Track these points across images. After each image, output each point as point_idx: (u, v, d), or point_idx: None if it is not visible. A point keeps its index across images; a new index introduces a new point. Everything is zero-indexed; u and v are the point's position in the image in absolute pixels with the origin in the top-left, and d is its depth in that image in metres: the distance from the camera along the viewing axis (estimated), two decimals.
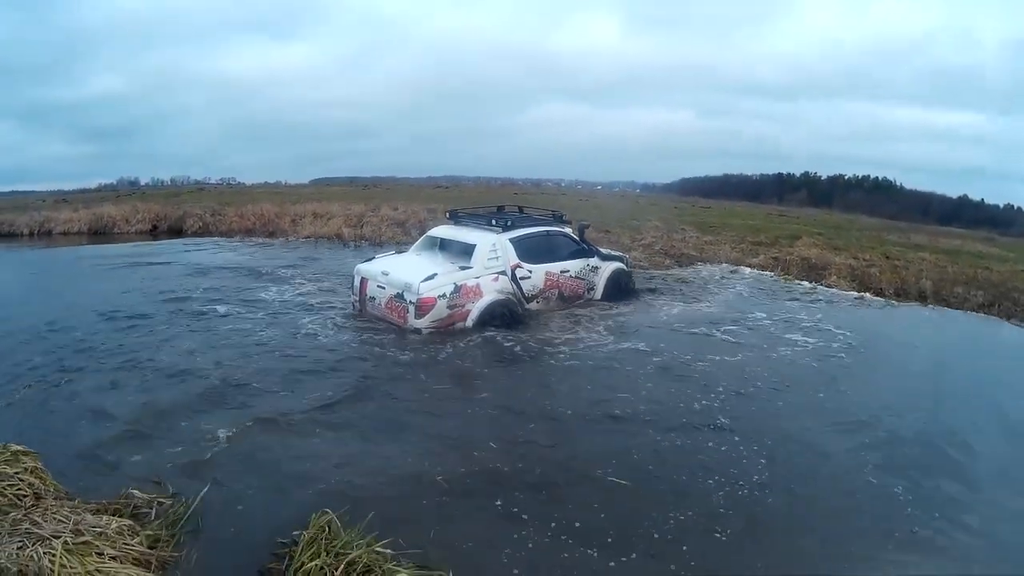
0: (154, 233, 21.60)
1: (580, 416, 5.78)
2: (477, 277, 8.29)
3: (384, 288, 8.27)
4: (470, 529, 3.98)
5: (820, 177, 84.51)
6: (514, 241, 8.83)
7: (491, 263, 8.47)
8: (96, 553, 3.31)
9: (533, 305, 9.08)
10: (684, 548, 3.86)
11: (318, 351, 7.45)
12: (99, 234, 21.32)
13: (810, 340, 8.52)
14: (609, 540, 3.90)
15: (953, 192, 79.45)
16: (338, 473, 4.58)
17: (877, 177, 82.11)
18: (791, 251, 16.97)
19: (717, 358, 7.57)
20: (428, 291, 7.80)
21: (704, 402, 6.13)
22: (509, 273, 8.66)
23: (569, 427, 5.59)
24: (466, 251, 8.58)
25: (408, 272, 8.16)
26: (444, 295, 7.93)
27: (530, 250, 9.01)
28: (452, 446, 5.15)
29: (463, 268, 8.28)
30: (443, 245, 9.14)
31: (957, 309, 11.86)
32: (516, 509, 4.21)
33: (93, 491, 4.15)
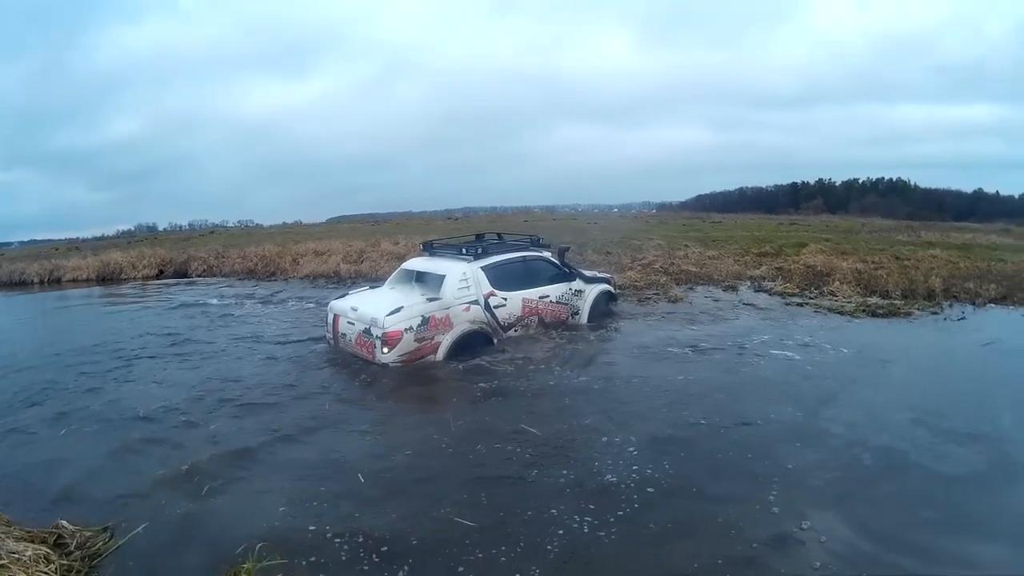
0: (160, 277, 21.83)
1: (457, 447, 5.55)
2: (446, 308, 8.09)
3: (354, 324, 8.13)
4: None
5: (835, 183, 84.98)
6: (486, 269, 8.64)
7: (461, 293, 8.28)
8: None
9: (512, 333, 8.85)
10: None
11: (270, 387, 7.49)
12: (107, 280, 21.68)
13: (790, 354, 8.23)
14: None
15: (968, 187, 79.57)
16: (279, 516, 4.44)
17: (891, 178, 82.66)
18: (796, 260, 16.70)
19: (682, 378, 7.26)
20: (393, 324, 7.63)
21: (617, 439, 5.59)
22: (482, 302, 8.45)
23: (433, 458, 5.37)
24: (437, 282, 8.40)
25: (375, 306, 8.00)
26: (411, 328, 7.75)
27: (505, 277, 8.80)
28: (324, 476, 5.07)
29: (431, 300, 8.10)
30: (418, 277, 8.96)
31: (969, 304, 11.55)
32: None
33: (33, 521, 4.31)
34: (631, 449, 5.32)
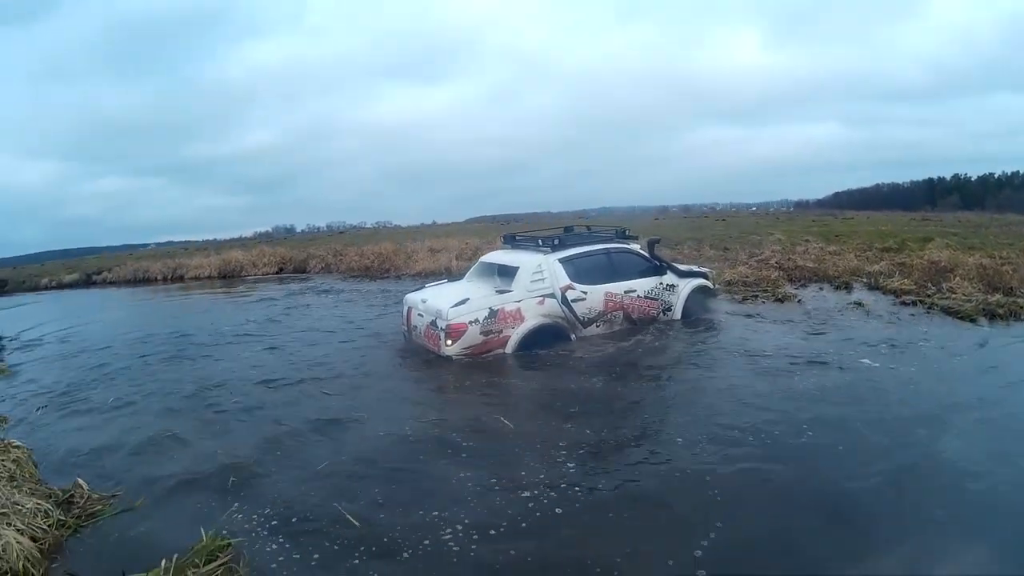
0: (279, 274, 22.89)
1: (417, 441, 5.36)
2: (518, 301, 7.86)
3: (423, 316, 8.09)
4: None
5: (971, 178, 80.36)
6: (564, 261, 8.30)
7: (535, 285, 8.00)
8: (6, 524, 3.83)
9: (593, 329, 8.48)
10: None
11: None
12: (228, 277, 22.97)
13: (874, 365, 7.04)
14: None
15: None
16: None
17: None
18: (920, 255, 15.33)
19: (729, 392, 6.22)
20: (457, 317, 7.51)
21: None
22: (559, 295, 8.13)
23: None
24: (511, 274, 8.18)
25: (443, 298, 7.92)
26: (476, 320, 7.59)
27: (585, 270, 8.42)
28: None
29: (500, 292, 7.91)
30: (498, 270, 8.70)
31: None
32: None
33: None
34: (570, 465, 4.74)
